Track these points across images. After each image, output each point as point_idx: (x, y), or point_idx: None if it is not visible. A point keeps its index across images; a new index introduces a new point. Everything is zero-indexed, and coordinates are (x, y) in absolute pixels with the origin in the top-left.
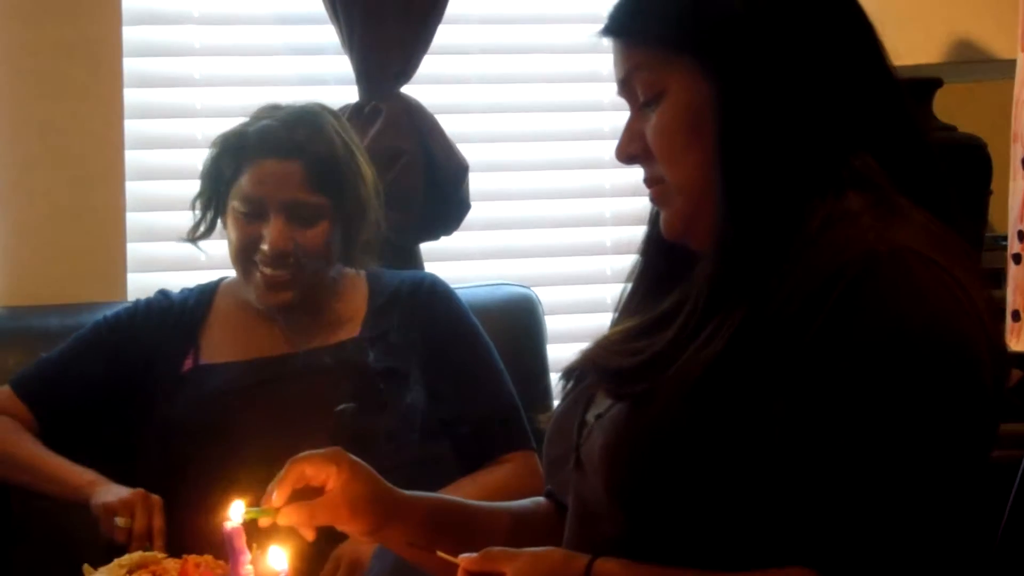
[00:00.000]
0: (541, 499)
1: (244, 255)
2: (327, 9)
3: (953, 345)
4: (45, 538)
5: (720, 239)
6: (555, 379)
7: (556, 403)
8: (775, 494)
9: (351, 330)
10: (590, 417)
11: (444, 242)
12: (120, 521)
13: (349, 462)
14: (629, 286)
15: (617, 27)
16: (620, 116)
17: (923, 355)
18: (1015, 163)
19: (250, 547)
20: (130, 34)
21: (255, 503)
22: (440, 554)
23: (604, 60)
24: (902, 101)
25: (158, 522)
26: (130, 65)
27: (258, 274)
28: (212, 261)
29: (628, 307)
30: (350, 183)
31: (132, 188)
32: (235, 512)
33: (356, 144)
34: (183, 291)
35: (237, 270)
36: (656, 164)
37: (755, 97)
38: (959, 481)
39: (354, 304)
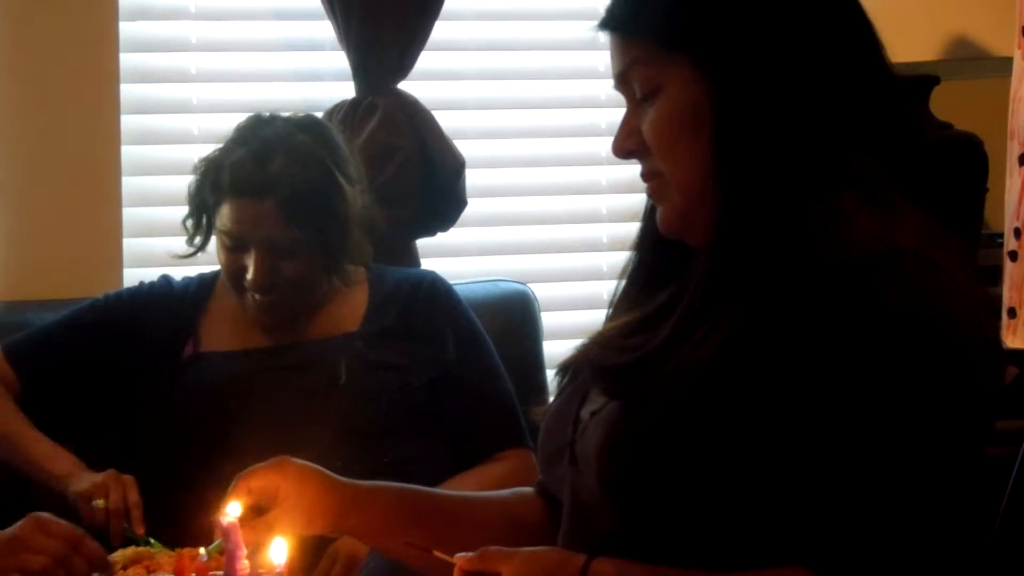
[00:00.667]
0: (525, 491)
1: (233, 280)
2: (323, 5)
3: (949, 343)
4: None
5: (717, 236)
6: (551, 375)
7: (552, 399)
8: (770, 492)
9: (351, 324)
10: (585, 414)
11: (441, 238)
12: (97, 503)
13: (295, 468)
14: (624, 282)
15: (615, 21)
16: (617, 112)
17: (919, 353)
18: (1011, 160)
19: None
20: (126, 29)
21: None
22: (436, 553)
23: (601, 56)
24: (900, 99)
25: (133, 496)
26: (126, 60)
27: (249, 298)
28: (209, 257)
29: (623, 303)
30: (329, 212)
31: (128, 183)
32: (232, 507)
33: (340, 159)
34: (184, 279)
35: (231, 288)
36: (653, 159)
37: (752, 94)
38: (955, 478)
39: (355, 299)
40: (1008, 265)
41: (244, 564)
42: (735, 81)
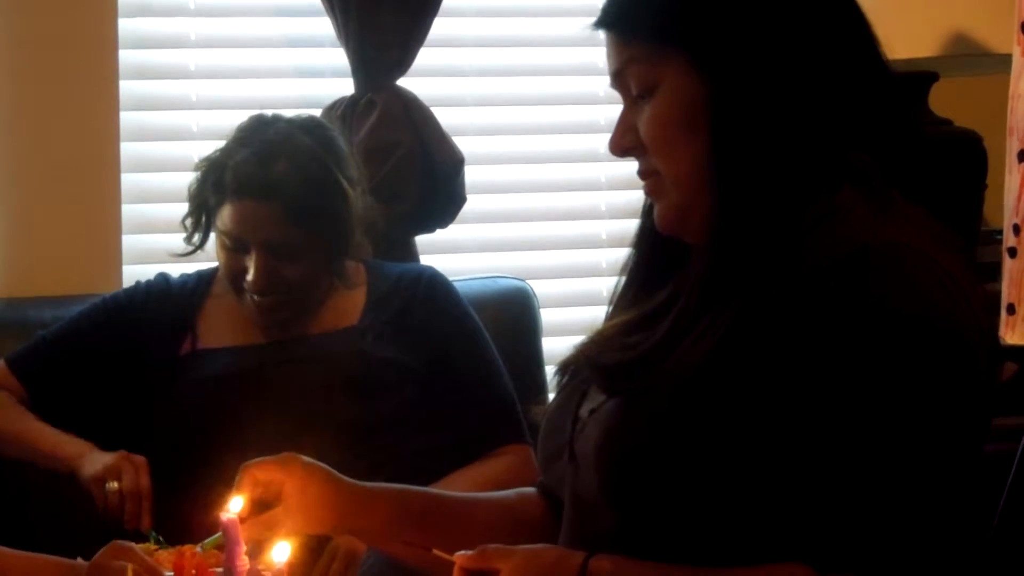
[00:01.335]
0: (527, 491)
1: (233, 282)
2: (322, 1)
3: (946, 338)
4: (41, 529)
5: (714, 233)
6: (550, 371)
7: (551, 396)
8: (768, 488)
9: (350, 319)
10: (584, 412)
11: (440, 235)
12: (111, 486)
13: (300, 466)
14: (623, 280)
15: (610, 20)
16: (615, 109)
17: (916, 348)
18: (1011, 157)
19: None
20: (125, 26)
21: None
22: (435, 552)
23: (600, 53)
24: (897, 96)
25: (144, 481)
26: (125, 57)
27: (248, 299)
28: (208, 254)
29: (622, 301)
30: (331, 213)
31: (127, 180)
32: (232, 503)
33: (342, 161)
34: (182, 276)
35: (230, 288)
36: (650, 156)
37: (748, 91)
38: (953, 473)
39: (353, 295)
40: (1007, 261)
41: (244, 560)
42: (731, 78)
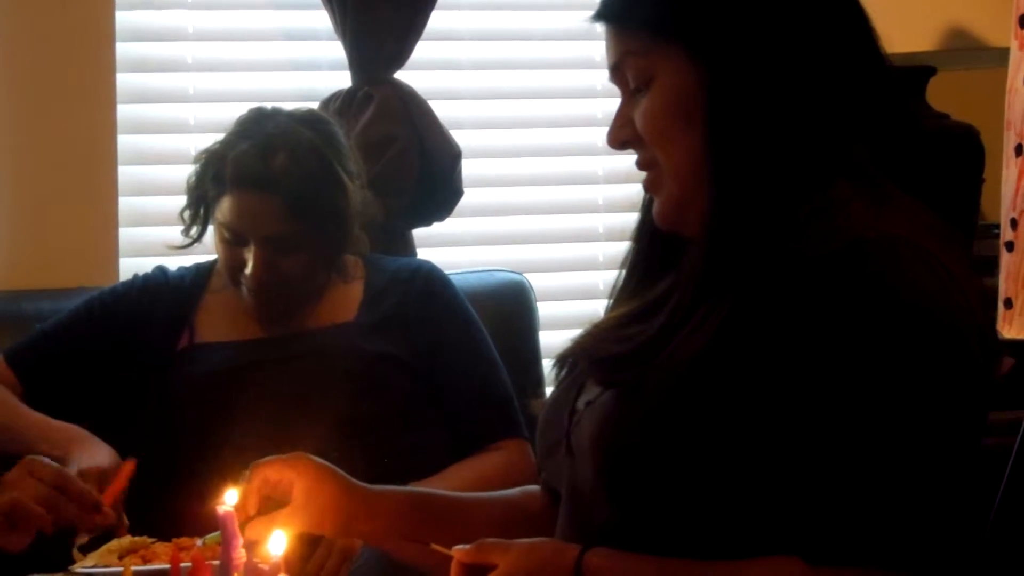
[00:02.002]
0: (531, 488)
1: (232, 274)
2: None
3: (942, 330)
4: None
5: (709, 226)
6: (547, 365)
7: (549, 390)
8: (762, 480)
9: (347, 314)
10: (580, 404)
11: (437, 228)
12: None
13: (312, 467)
14: (623, 273)
15: (609, 12)
16: (613, 103)
17: (911, 340)
18: (1008, 151)
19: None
20: (123, 19)
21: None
22: (434, 546)
23: (597, 46)
24: (894, 89)
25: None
26: (123, 50)
27: (247, 291)
28: (205, 247)
29: (622, 294)
30: (330, 207)
31: (125, 172)
32: (228, 496)
33: (341, 154)
34: (180, 269)
35: (228, 282)
36: (648, 148)
37: (744, 85)
38: (947, 465)
39: (351, 289)
40: (1004, 256)
41: (240, 553)
42: (727, 71)
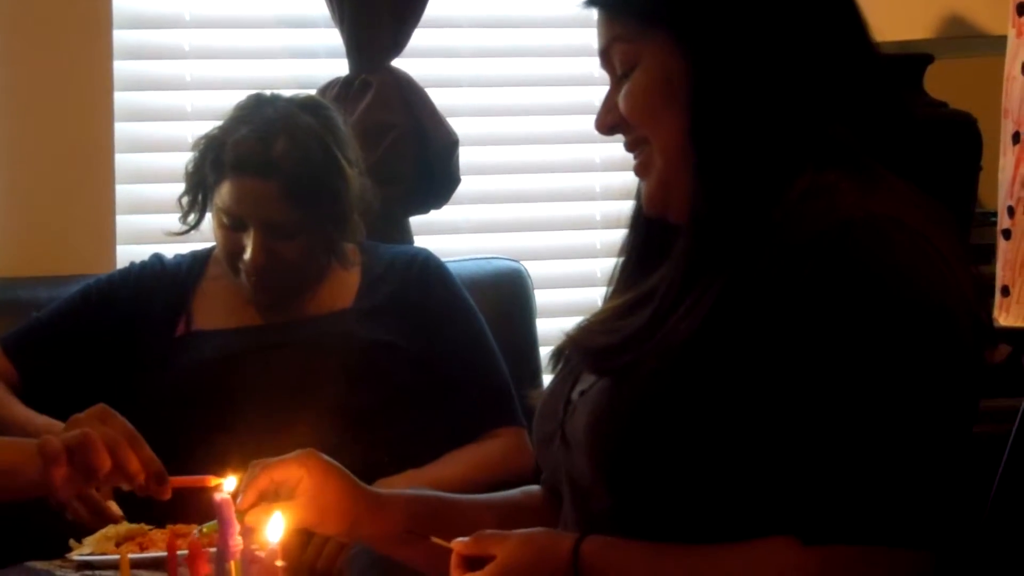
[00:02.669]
0: (532, 488)
1: (230, 260)
2: None
3: (930, 309)
4: (33, 508)
5: (694, 209)
6: (545, 353)
7: (547, 379)
8: (756, 462)
9: (344, 301)
10: (575, 395)
11: (434, 215)
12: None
13: (320, 466)
14: (620, 262)
15: None
16: None
17: (900, 319)
18: (1005, 139)
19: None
20: (120, 6)
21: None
22: (434, 539)
23: (594, 34)
24: (882, 75)
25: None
26: (120, 37)
27: (245, 277)
28: (202, 234)
29: (619, 283)
30: (330, 193)
31: (122, 160)
32: (225, 483)
33: (341, 141)
34: (177, 256)
35: (226, 268)
36: (635, 130)
37: (728, 70)
38: (939, 442)
39: (348, 276)
40: (1001, 243)
41: (237, 540)
42: (711, 57)
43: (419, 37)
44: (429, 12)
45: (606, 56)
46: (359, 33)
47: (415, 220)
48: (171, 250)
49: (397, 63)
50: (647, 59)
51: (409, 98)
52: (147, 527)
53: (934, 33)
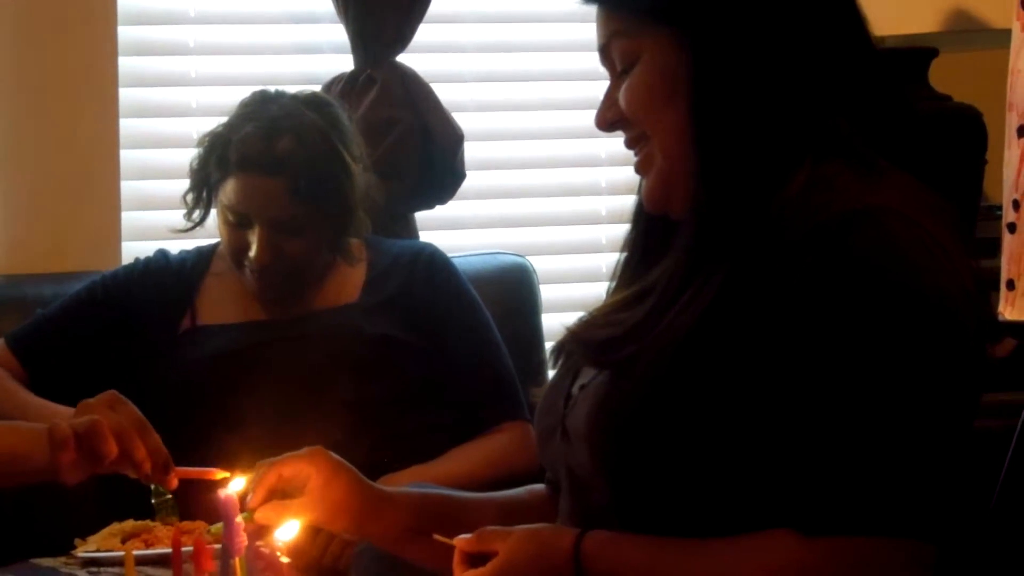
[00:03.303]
0: (536, 487)
1: (235, 257)
2: None
3: (930, 301)
4: (38, 506)
5: (696, 203)
6: (550, 348)
7: (551, 373)
8: (756, 455)
9: (349, 296)
10: (575, 389)
11: (439, 211)
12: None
13: (328, 463)
14: (623, 256)
15: None
16: None
17: (900, 311)
18: (1010, 132)
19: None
20: (125, 2)
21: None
22: (436, 537)
23: None
24: (883, 69)
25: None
26: (124, 33)
27: (250, 273)
28: (207, 231)
29: (622, 278)
30: (335, 189)
31: (127, 156)
32: (232, 482)
33: (346, 138)
34: (182, 252)
35: (231, 264)
36: (635, 126)
37: (728, 66)
38: (939, 434)
39: (353, 271)
40: (1007, 237)
41: (243, 537)
42: (711, 52)
43: (424, 32)
44: (434, 7)
45: (605, 52)
46: (364, 28)
47: (421, 216)
48: (176, 246)
49: (402, 59)
50: (647, 55)
51: (414, 93)
52: (152, 524)
53: (939, 27)
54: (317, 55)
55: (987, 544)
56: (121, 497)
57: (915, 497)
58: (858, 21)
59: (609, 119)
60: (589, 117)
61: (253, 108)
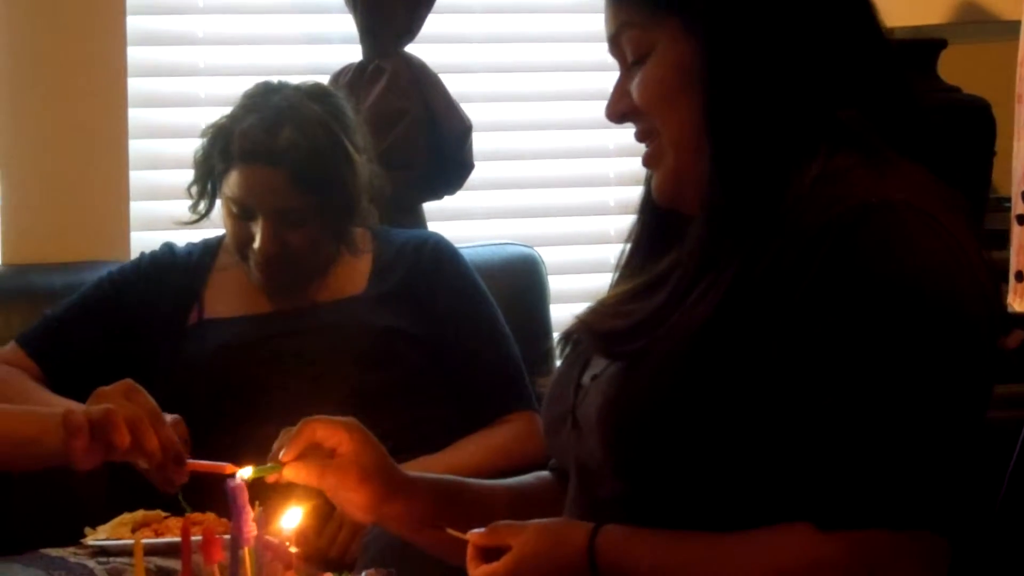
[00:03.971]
0: (543, 473)
1: (239, 248)
2: None
3: (944, 294)
4: (48, 495)
5: (709, 197)
6: (558, 338)
7: (558, 363)
8: (770, 448)
9: (355, 286)
10: (586, 379)
11: (448, 201)
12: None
13: (362, 432)
14: (628, 247)
15: None
16: None
17: (915, 304)
18: (1019, 124)
19: (252, 504)
20: None
21: (259, 464)
22: (449, 531)
23: None
24: (894, 61)
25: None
26: (133, 24)
27: (254, 264)
28: (214, 221)
29: (627, 268)
30: (337, 180)
31: (135, 146)
32: (244, 472)
33: (348, 128)
34: (187, 246)
35: (236, 256)
36: (647, 119)
37: (741, 57)
38: (953, 427)
39: (359, 262)
40: (1016, 229)
41: (251, 526)
42: (724, 44)
43: (432, 23)
44: None
45: (615, 43)
46: (373, 19)
47: (429, 206)
48: (185, 236)
49: (410, 49)
50: (660, 48)
51: (422, 84)
52: (163, 514)
53: (948, 18)
54: (326, 45)
55: (997, 533)
56: (131, 487)
57: (929, 490)
58: (870, 13)
59: (620, 111)
60: (598, 108)
61: (256, 99)
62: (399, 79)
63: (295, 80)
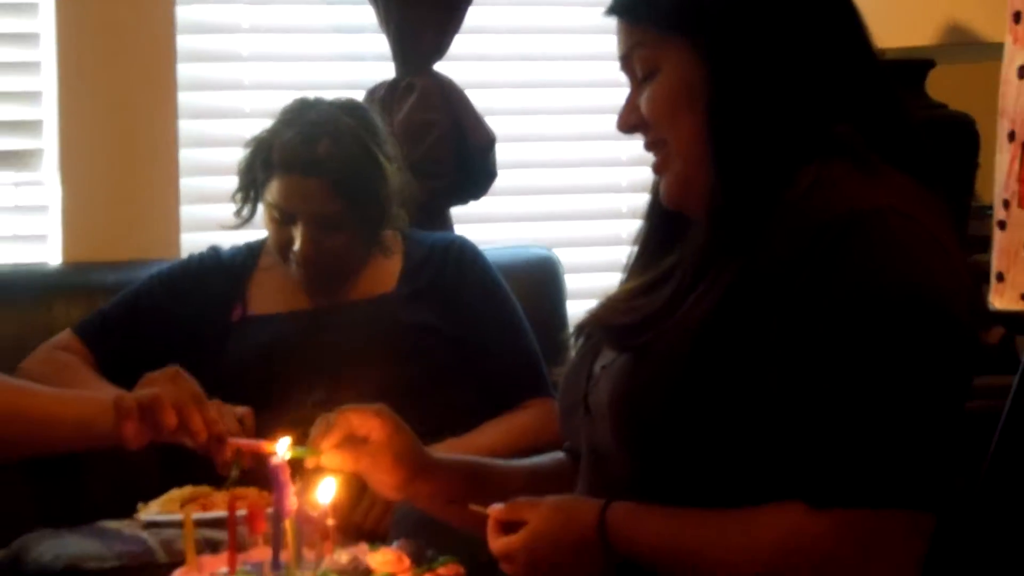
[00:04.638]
0: (560, 454)
1: (281, 251)
2: None
3: (929, 293)
4: (104, 473)
5: (712, 201)
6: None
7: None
8: (766, 434)
9: (387, 285)
10: (597, 368)
11: (473, 206)
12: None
13: (393, 418)
14: (636, 249)
15: (619, 8)
16: None
17: (901, 300)
18: (1001, 138)
19: (293, 481)
20: (182, 13)
21: (299, 443)
22: (472, 507)
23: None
24: (885, 79)
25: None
26: (183, 42)
27: (295, 265)
28: (256, 224)
29: (634, 268)
30: (370, 187)
31: (185, 155)
32: (281, 448)
33: (379, 139)
34: (232, 248)
35: (278, 258)
36: (655, 130)
37: (744, 75)
38: (938, 413)
39: (391, 262)
40: (997, 234)
41: (292, 501)
42: (728, 63)
43: (460, 43)
44: (469, 20)
45: (627, 61)
46: (404, 39)
47: (456, 211)
48: (231, 237)
49: (439, 67)
50: (667, 66)
51: (450, 99)
52: (210, 489)
53: (935, 40)
54: (361, 63)
55: (977, 513)
56: (180, 465)
57: (914, 472)
58: (862, 34)
59: (631, 123)
60: (611, 121)
61: (293, 114)
62: (429, 95)
63: (331, 95)
